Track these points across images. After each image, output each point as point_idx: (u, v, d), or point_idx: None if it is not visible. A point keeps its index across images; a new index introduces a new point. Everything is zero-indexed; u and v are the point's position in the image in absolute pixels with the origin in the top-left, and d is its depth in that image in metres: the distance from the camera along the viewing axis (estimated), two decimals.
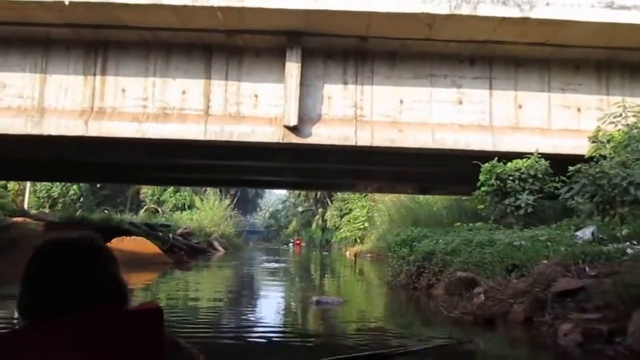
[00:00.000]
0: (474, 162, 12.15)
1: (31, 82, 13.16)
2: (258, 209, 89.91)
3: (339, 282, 17.16)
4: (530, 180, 11.68)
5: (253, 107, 13.01)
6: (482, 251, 9.51)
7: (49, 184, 34.29)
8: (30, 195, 33.67)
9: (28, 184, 32.95)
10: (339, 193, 48.75)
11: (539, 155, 11.77)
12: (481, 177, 12.03)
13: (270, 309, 9.76)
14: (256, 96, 13.09)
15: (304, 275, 19.15)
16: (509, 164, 12.02)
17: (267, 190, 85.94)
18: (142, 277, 15.15)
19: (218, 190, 42.92)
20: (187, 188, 43.76)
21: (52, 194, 34.73)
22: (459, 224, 14.01)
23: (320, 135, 12.87)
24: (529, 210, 11.43)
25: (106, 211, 32.76)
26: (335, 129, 12.88)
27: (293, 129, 12.68)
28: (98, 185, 43.23)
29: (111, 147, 14.98)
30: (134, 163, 17.22)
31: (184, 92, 13.11)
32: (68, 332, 1.12)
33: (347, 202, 45.96)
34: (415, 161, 15.10)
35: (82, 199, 36.58)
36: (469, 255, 9.55)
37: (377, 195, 35.75)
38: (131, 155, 15.51)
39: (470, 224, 12.79)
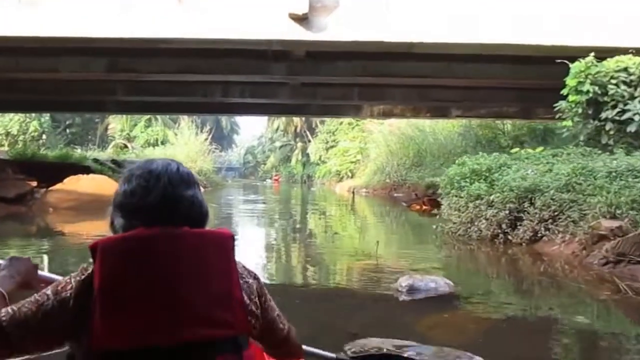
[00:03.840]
0: (558, 60, 8.82)
1: None
2: (233, 145, 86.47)
3: (366, 234, 11.14)
4: None
5: None
6: (631, 185, 6.29)
7: (7, 119, 30.52)
8: None
9: None
10: (324, 124, 45.47)
11: None
12: (569, 82, 8.70)
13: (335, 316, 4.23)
14: None
15: (310, 223, 14.86)
16: (604, 62, 8.73)
17: (242, 127, 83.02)
18: (102, 227, 11.75)
19: (193, 124, 39.10)
20: (160, 122, 39.93)
21: (10, 131, 30.89)
22: (516, 149, 10.75)
23: (338, 29, 9.36)
24: None
25: (76, 149, 29.33)
26: (358, 20, 9.37)
27: (301, 20, 9.17)
28: (67, 122, 39.34)
29: (57, 59, 11.30)
30: (91, 81, 13.52)
31: None
32: (163, 241, 1.24)
33: (334, 134, 42.58)
34: (455, 69, 11.87)
35: (44, 136, 32.76)
36: (610, 194, 6.24)
37: (372, 126, 32.52)
38: (85, 69, 11.80)
39: (554, 149, 9.40)
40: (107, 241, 1.22)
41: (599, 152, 8.21)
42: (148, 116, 39.50)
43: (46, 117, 31.31)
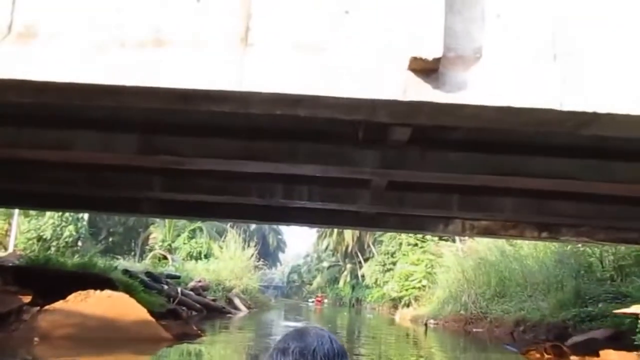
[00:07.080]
0: None
1: None
2: (278, 263, 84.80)
3: None
4: None
5: (341, 27, 6.23)
6: None
7: (41, 223, 28.56)
8: (18, 236, 28.16)
9: (15, 221, 27.78)
10: (380, 245, 42.22)
11: None
12: None
13: None
14: (346, 12, 6.34)
15: None
16: None
17: (289, 244, 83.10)
18: None
19: (240, 237, 36.14)
20: (205, 234, 37.17)
21: (42, 235, 28.59)
22: None
23: (482, 90, 5.98)
24: None
25: (117, 258, 26.96)
26: (514, 79, 6.02)
27: (428, 74, 5.83)
28: (111, 230, 37.37)
29: (69, 132, 8.30)
30: (118, 167, 10.52)
31: (198, 0, 6.45)
32: None
33: (393, 256, 38.83)
34: (615, 169, 8.42)
35: (80, 243, 30.35)
36: None
37: (442, 248, 28.90)
38: (109, 148, 8.71)
39: None
40: None
41: None
42: (193, 226, 36.96)
43: (83, 221, 29.05)
